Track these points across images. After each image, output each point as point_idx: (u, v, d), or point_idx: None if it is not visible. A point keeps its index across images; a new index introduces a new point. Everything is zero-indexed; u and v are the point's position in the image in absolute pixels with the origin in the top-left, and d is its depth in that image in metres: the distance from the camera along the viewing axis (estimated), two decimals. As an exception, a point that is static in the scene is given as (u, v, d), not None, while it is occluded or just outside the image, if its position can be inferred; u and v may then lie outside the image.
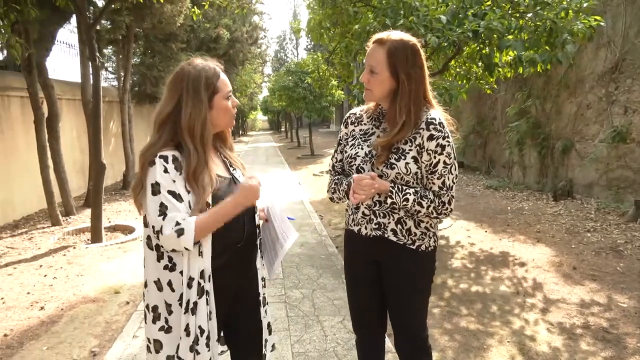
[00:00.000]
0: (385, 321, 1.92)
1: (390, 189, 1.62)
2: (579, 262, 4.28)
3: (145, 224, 1.50)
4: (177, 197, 1.42)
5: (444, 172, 1.63)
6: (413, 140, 1.63)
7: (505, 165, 9.19)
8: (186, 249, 1.41)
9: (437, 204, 1.64)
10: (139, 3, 6.29)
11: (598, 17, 4.14)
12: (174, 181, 1.43)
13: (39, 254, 4.98)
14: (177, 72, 1.54)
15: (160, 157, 1.43)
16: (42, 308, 3.57)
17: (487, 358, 2.75)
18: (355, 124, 1.81)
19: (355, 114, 1.84)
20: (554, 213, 6.16)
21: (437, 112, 1.65)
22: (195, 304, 1.47)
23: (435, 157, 1.61)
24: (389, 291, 1.79)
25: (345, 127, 1.84)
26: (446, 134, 1.61)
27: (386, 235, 1.70)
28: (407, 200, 1.62)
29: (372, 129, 1.76)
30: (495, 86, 5.98)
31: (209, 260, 1.49)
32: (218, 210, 1.47)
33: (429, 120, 1.61)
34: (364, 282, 1.84)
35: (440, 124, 1.61)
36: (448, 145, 1.61)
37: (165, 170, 1.42)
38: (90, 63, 5.84)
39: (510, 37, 4.04)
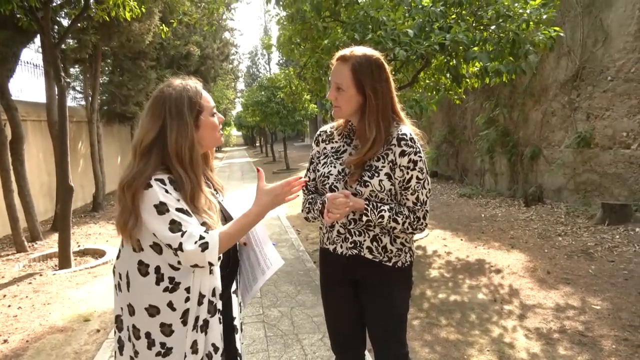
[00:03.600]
0: (364, 338, 1.88)
1: (365, 206, 1.60)
2: (552, 267, 4.37)
3: (135, 249, 1.42)
4: (186, 213, 1.36)
5: (417, 187, 1.63)
6: (385, 157, 1.62)
7: (477, 173, 9.38)
8: (210, 263, 1.35)
9: (412, 219, 1.64)
10: (105, 21, 6.17)
11: (557, 28, 4.31)
12: (178, 200, 1.37)
13: (3, 284, 4.74)
14: (156, 95, 1.46)
15: (156, 180, 1.36)
16: (5, 341, 3.38)
17: (468, 368, 2.75)
18: (327, 142, 1.79)
19: (325, 131, 1.82)
20: (526, 219, 6.29)
21: (407, 128, 1.65)
22: (207, 322, 1.43)
23: (408, 173, 1.61)
24: (366, 309, 1.76)
25: (317, 145, 1.82)
26: (417, 149, 1.61)
27: (362, 254, 1.68)
28: (382, 217, 1.61)
29: (343, 146, 1.74)
30: (464, 96, 6.12)
31: (219, 279, 1.46)
32: (241, 220, 1.42)
33: (400, 136, 1.61)
34: (340, 301, 1.81)
35: (411, 139, 1.61)
36: (420, 160, 1.61)
37: (167, 191, 1.35)
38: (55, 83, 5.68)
39: (475, 49, 4.16)
